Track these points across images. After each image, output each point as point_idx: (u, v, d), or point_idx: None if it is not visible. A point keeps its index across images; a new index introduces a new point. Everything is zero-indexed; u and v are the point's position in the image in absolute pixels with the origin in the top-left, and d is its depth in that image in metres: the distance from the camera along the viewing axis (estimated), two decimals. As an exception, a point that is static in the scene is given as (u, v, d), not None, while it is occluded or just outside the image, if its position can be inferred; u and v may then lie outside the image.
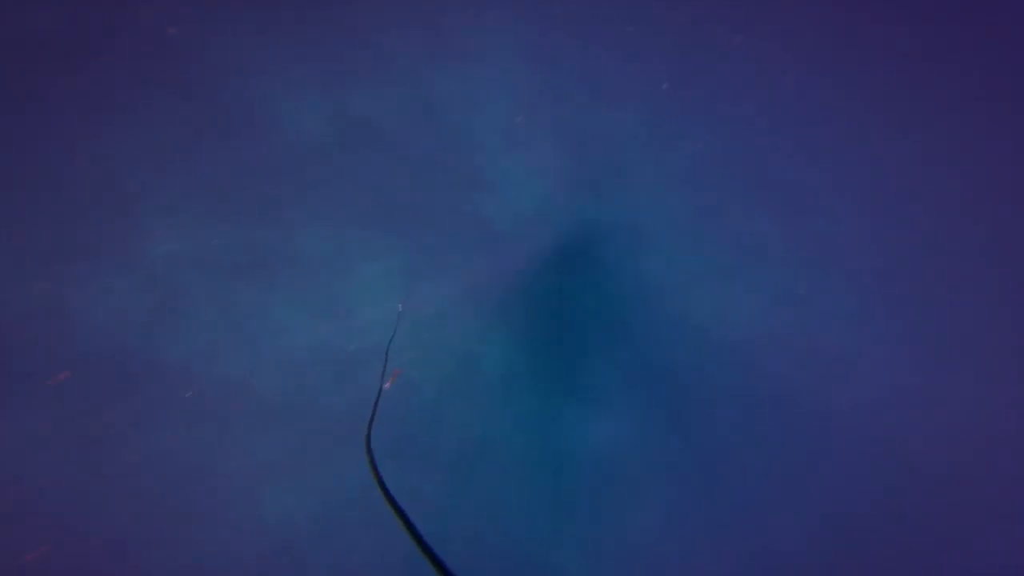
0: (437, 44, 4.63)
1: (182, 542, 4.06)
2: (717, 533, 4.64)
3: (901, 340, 4.41)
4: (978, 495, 4.32)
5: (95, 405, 4.03)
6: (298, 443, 4.43)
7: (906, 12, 4.21)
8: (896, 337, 4.41)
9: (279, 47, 4.47)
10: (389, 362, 4.07)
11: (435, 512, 4.86)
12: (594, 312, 4.93)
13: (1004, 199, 4.19)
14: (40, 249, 4.01)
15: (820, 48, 4.38)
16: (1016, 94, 4.05)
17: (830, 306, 4.45)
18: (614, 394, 5.02)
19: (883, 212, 4.39)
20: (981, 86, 4.11)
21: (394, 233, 4.60)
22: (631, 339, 4.81)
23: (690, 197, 4.65)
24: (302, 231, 4.51)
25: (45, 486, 3.93)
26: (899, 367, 4.42)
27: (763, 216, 4.50)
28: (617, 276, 4.86)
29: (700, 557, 4.60)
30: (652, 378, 4.88)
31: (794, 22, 4.35)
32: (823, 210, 4.42)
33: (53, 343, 4.07)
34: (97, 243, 4.24)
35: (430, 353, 4.57)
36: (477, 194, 4.79)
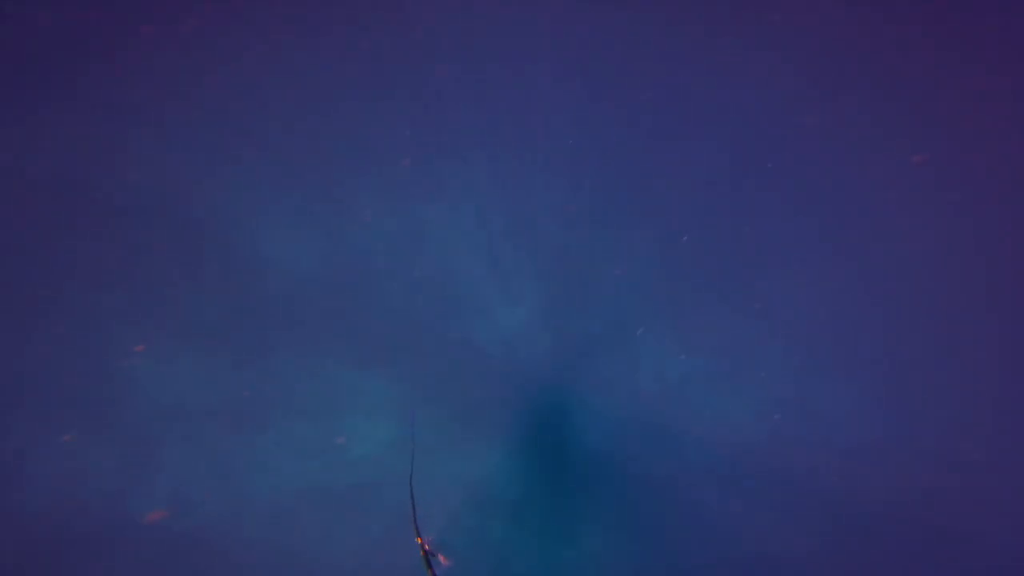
0: (421, 182, 4.97)
1: None
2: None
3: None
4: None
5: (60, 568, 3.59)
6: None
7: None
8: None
9: (269, 187, 4.70)
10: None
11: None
12: (590, 428, 4.91)
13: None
14: (14, 402, 3.78)
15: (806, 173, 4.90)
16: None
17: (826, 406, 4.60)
18: (617, 511, 4.85)
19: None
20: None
21: (384, 367, 4.58)
22: (629, 455, 4.77)
23: (669, 307, 4.90)
24: (290, 372, 4.43)
25: None
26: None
27: (749, 319, 4.75)
28: (609, 389, 4.92)
29: None
30: (653, 491, 4.78)
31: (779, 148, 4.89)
32: (810, 316, 4.70)
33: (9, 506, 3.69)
34: (71, 401, 4.03)
35: (431, 483, 4.37)
36: (464, 322, 4.90)
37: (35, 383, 4.06)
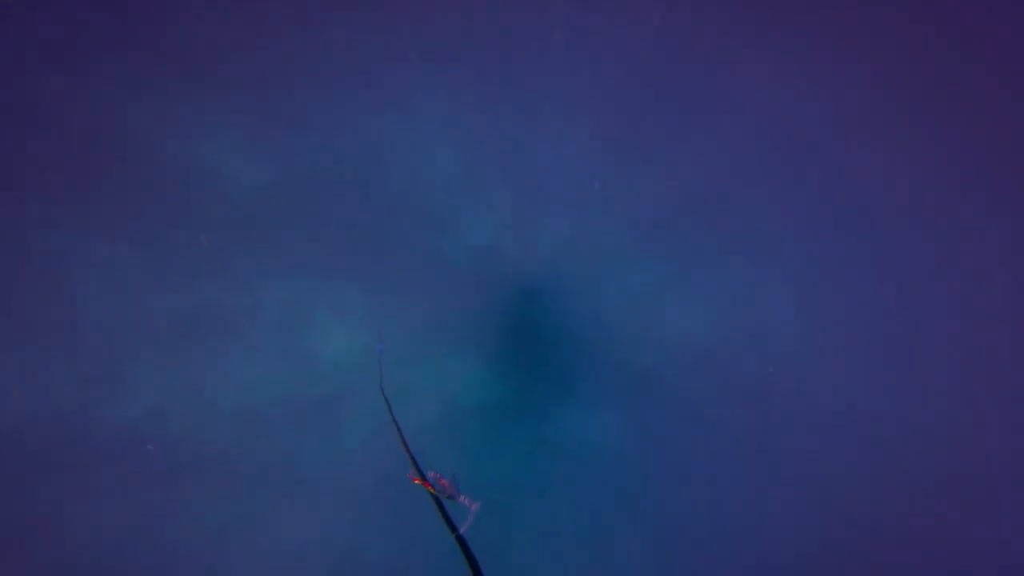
0: (379, 96, 4.73)
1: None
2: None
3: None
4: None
5: (35, 480, 3.57)
6: (267, 499, 4.14)
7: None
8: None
9: (219, 101, 4.38)
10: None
11: (425, 553, 4.67)
12: (557, 333, 5.08)
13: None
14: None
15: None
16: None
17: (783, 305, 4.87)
18: (592, 409, 5.14)
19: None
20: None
21: (352, 277, 4.55)
22: (597, 355, 4.99)
23: (633, 216, 4.98)
24: (255, 284, 4.34)
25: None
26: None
27: (706, 227, 4.89)
28: (573, 295, 5.07)
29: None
30: (624, 389, 5.05)
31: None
32: (764, 217, 4.85)
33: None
34: (23, 316, 3.85)
35: (405, 392, 4.49)
36: (432, 233, 4.87)
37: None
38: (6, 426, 3.59)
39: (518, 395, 5.16)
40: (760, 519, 4.90)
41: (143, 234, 3.88)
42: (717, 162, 5.14)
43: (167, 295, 3.93)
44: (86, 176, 3.91)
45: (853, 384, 4.75)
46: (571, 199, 5.00)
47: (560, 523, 5.03)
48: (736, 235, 5.10)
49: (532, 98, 5.02)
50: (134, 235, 3.87)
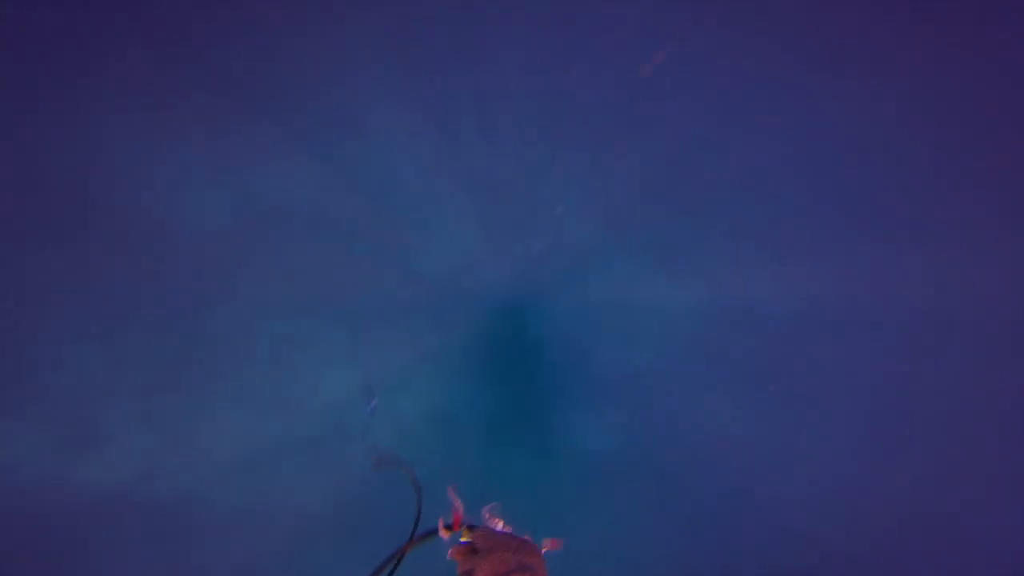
0: (334, 120, 4.68)
1: None
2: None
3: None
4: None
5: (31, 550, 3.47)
6: (274, 547, 4.03)
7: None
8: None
9: (167, 140, 4.31)
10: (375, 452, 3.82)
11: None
12: (549, 344, 5.02)
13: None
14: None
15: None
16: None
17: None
18: (590, 420, 5.06)
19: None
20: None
21: (331, 312, 4.48)
22: (590, 362, 4.92)
23: (616, 219, 4.93)
24: (226, 328, 4.25)
25: None
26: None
27: (685, 221, 4.81)
28: (560, 306, 5.01)
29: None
30: (619, 403, 4.97)
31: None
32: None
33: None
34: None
35: (402, 422, 4.40)
36: (406, 257, 4.81)
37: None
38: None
39: (517, 407, 5.08)
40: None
41: (105, 290, 3.80)
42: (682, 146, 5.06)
43: (132, 350, 3.84)
44: (36, 233, 3.83)
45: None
46: (540, 207, 4.95)
47: (575, 531, 4.90)
48: (710, 210, 4.97)
49: (490, 109, 4.98)
50: (95, 293, 3.79)
